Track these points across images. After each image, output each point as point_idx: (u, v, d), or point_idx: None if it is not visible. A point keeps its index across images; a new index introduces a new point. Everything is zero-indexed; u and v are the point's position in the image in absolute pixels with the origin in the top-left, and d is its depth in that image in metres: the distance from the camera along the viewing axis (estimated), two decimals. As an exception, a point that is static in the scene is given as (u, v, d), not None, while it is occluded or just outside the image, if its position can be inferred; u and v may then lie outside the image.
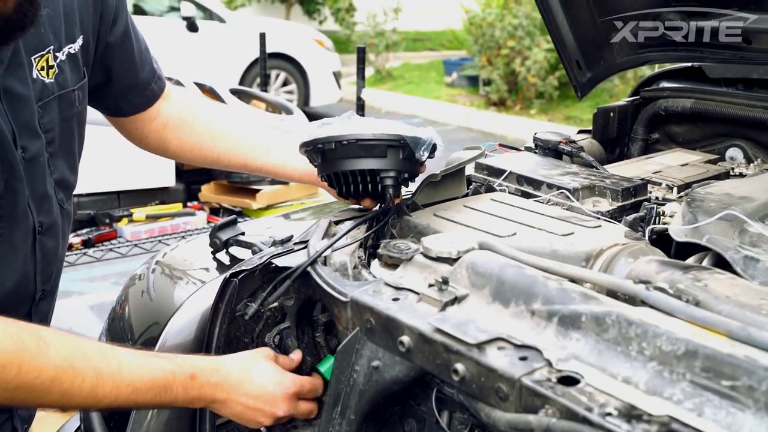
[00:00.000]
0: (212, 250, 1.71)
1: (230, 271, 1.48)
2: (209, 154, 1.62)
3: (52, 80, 1.27)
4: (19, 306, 1.29)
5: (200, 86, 3.89)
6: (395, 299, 1.20)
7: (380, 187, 1.45)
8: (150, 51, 1.58)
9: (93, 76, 1.43)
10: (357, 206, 1.57)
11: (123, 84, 1.52)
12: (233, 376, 1.25)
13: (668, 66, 2.53)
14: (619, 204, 1.66)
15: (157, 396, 1.17)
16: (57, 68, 1.28)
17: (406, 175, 1.46)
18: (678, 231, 1.41)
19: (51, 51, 1.26)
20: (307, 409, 1.34)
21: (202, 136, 1.61)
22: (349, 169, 1.43)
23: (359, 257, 1.41)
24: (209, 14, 8.80)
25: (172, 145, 1.63)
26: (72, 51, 1.32)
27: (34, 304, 1.32)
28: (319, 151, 1.44)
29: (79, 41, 1.33)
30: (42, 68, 1.25)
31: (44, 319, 1.39)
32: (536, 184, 1.73)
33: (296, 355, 1.41)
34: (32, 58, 1.23)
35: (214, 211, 3.75)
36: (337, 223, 1.55)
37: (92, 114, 1.46)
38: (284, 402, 1.28)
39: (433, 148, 1.44)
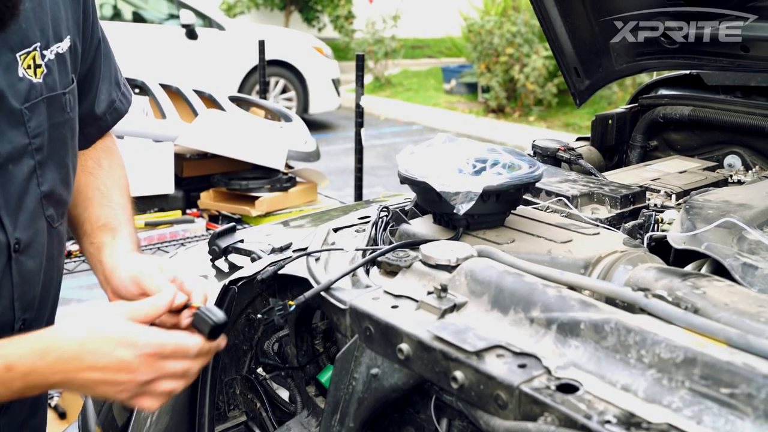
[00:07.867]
0: (211, 257, 1.71)
1: (229, 279, 1.49)
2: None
3: (40, 80, 1.16)
4: None
5: (199, 94, 3.88)
6: (394, 306, 1.20)
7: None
8: (116, 74, 1.43)
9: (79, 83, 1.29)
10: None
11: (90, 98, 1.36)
12: (68, 351, 1.06)
13: (666, 74, 2.54)
14: (618, 211, 1.66)
15: None
16: (45, 68, 1.17)
17: None
18: (676, 238, 1.41)
19: (38, 49, 1.16)
20: (181, 370, 1.11)
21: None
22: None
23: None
24: (208, 22, 8.81)
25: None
26: (60, 51, 1.21)
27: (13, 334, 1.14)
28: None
29: (67, 41, 1.22)
30: (29, 66, 1.14)
31: None
32: (535, 191, 1.73)
33: (161, 299, 1.14)
34: (17, 55, 1.13)
35: (213, 219, 3.73)
36: (336, 230, 1.55)
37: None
38: (143, 365, 1.08)
39: None
